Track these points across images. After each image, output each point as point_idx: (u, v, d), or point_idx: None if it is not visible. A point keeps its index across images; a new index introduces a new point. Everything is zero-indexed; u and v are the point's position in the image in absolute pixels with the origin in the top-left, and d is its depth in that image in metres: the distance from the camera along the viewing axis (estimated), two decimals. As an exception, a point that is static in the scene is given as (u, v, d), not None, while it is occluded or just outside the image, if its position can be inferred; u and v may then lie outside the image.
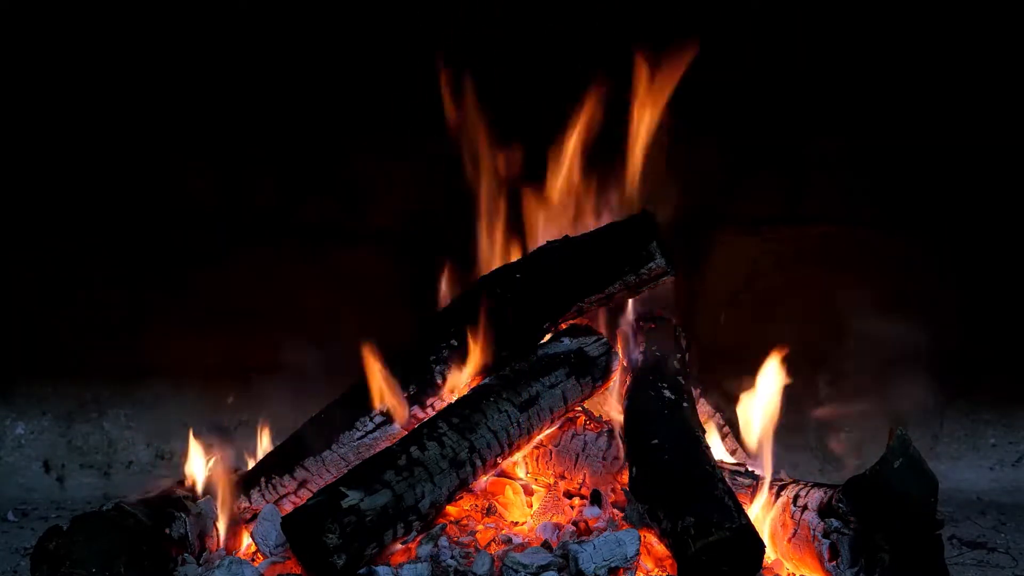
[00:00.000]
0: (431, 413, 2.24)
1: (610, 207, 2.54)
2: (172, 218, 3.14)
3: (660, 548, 2.03)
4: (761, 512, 2.14)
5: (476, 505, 2.21)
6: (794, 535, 2.04)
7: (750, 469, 2.29)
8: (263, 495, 2.23)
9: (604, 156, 2.57)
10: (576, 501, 2.26)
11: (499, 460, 2.17)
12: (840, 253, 3.18)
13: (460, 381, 2.28)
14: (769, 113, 3.07)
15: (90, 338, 3.14)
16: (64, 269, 3.13)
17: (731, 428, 2.51)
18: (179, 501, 2.12)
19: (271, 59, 3.03)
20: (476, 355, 2.27)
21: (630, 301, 2.48)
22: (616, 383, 2.39)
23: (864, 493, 1.90)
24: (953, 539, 2.59)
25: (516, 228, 2.59)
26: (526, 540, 2.10)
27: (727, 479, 2.05)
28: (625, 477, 2.17)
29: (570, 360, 2.27)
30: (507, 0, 2.98)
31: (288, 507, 2.16)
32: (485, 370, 2.28)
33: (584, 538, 2.04)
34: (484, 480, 2.23)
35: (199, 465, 2.27)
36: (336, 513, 1.89)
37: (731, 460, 2.39)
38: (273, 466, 2.26)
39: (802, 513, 2.03)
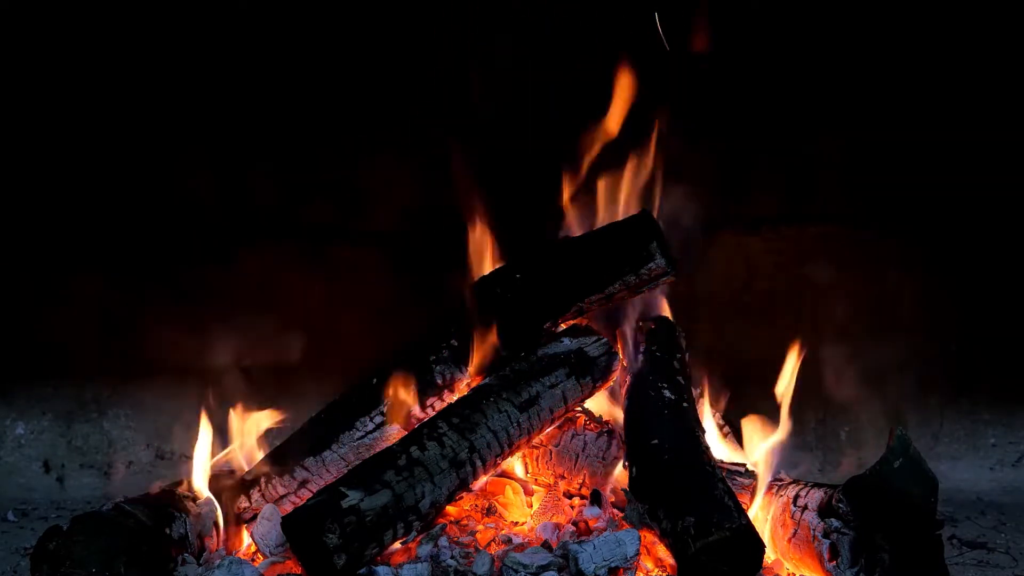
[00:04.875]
0: (431, 413, 2.24)
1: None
2: (173, 218, 3.14)
3: (660, 548, 2.03)
4: (761, 512, 2.14)
5: (476, 505, 2.21)
6: (794, 535, 2.04)
7: (750, 469, 2.29)
8: (263, 495, 2.23)
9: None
10: (576, 501, 2.26)
11: (499, 460, 2.17)
12: (840, 253, 3.18)
13: (460, 381, 2.28)
14: (769, 113, 3.07)
15: (90, 338, 3.14)
16: (64, 269, 3.13)
17: (731, 428, 2.52)
18: (179, 501, 2.12)
19: (272, 59, 3.03)
20: (476, 355, 2.27)
21: (630, 301, 2.48)
22: (616, 383, 2.39)
23: (864, 493, 1.90)
24: (953, 539, 2.59)
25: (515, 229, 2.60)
26: (526, 540, 2.10)
27: (727, 479, 2.05)
28: (625, 477, 2.17)
29: (570, 360, 2.26)
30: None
31: (288, 507, 2.16)
32: (485, 370, 2.28)
33: (584, 538, 2.04)
34: (484, 480, 2.23)
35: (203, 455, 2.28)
36: (336, 513, 1.89)
37: (731, 460, 2.39)
38: (273, 466, 2.26)
39: (802, 513, 2.03)
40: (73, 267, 3.12)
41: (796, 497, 2.09)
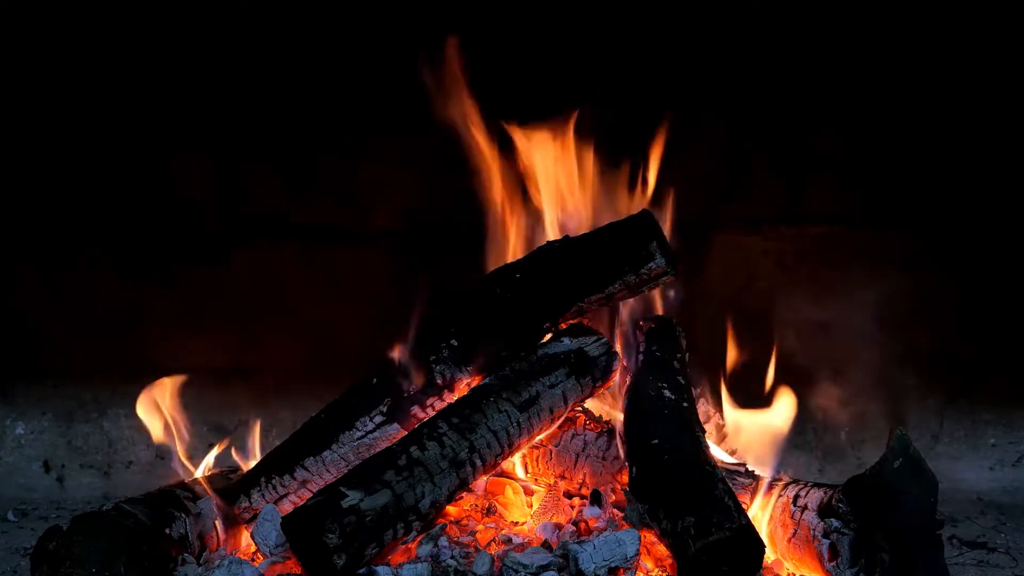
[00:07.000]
0: (431, 413, 2.24)
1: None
2: (172, 217, 3.14)
3: (660, 548, 2.03)
4: (761, 512, 2.14)
5: (476, 505, 2.21)
6: (794, 535, 2.04)
7: (750, 469, 2.29)
8: (263, 495, 2.23)
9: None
10: (576, 501, 2.26)
11: (499, 460, 2.17)
12: (840, 253, 3.18)
13: (460, 381, 2.28)
14: (769, 112, 3.07)
15: (90, 338, 3.14)
16: (64, 269, 3.13)
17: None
18: (179, 501, 2.12)
19: (272, 59, 3.04)
20: (476, 355, 2.27)
21: (630, 300, 2.48)
22: (616, 383, 2.39)
23: (864, 493, 1.90)
24: (953, 539, 2.59)
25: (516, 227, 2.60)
26: (526, 540, 2.10)
27: (727, 479, 2.05)
28: (625, 477, 2.17)
29: (570, 360, 2.26)
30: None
31: (288, 507, 2.16)
32: (485, 370, 2.28)
33: (584, 538, 2.04)
34: (484, 480, 2.23)
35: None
36: (336, 513, 1.89)
37: (731, 460, 2.39)
38: (273, 466, 2.26)
39: (802, 513, 2.03)
40: (73, 267, 3.12)
41: (796, 497, 2.09)
